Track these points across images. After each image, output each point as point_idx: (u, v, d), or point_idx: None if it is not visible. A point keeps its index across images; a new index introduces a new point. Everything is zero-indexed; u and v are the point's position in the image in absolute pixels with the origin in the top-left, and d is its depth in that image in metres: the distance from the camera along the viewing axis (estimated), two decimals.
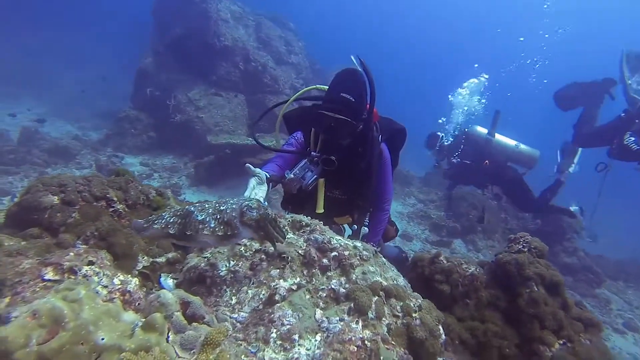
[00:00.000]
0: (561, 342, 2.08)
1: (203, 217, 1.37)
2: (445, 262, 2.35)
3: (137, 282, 1.31)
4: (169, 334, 1.11)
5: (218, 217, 1.37)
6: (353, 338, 1.25)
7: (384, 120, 2.54)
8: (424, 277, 2.28)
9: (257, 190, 1.86)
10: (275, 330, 1.26)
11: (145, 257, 1.64)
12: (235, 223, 1.36)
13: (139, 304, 1.25)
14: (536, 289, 2.19)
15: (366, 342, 1.26)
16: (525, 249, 2.45)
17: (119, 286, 1.23)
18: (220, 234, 1.34)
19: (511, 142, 6.56)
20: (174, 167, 8.45)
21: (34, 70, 14.66)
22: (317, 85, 2.57)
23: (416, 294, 1.60)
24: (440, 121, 7.50)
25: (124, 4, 25.42)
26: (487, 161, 6.45)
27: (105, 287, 1.20)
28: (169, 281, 1.65)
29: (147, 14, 11.52)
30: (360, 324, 1.31)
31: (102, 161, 7.86)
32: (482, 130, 6.68)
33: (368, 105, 2.22)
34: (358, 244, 1.65)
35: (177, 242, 1.39)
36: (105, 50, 21.39)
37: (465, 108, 7.71)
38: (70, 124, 10.77)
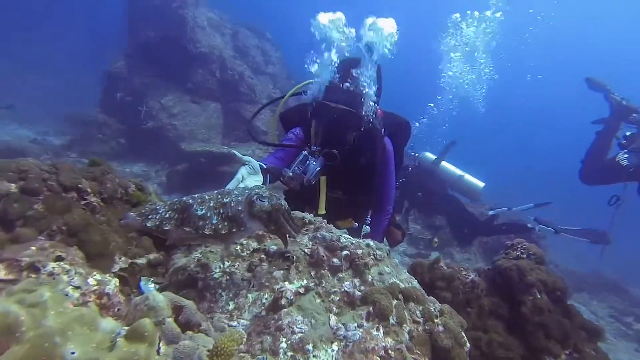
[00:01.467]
0: (567, 352, 1.99)
1: (203, 212, 1.19)
2: (445, 268, 2.24)
3: (117, 283, 1.07)
4: (160, 344, 0.89)
5: (221, 211, 1.18)
6: (376, 347, 1.08)
7: (387, 115, 2.43)
8: (424, 283, 2.15)
9: (248, 182, 1.60)
10: (284, 340, 1.06)
11: (123, 258, 1.39)
12: (241, 219, 1.17)
13: (118, 309, 1.02)
14: (539, 296, 2.10)
15: (390, 351, 1.09)
16: (524, 256, 2.39)
17: (95, 287, 0.99)
18: (223, 232, 1.15)
19: (457, 172, 6.27)
20: (144, 175, 8.02)
21: None
22: (315, 80, 2.41)
23: (432, 297, 1.45)
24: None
25: (92, 5, 24.32)
26: (420, 193, 6.25)
27: (78, 288, 0.96)
28: (150, 286, 1.42)
29: (114, 15, 11.05)
30: (381, 330, 1.14)
31: None
32: (431, 156, 6.45)
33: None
34: (370, 242, 1.49)
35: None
36: (66, 53, 20.37)
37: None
38: (27, 128, 10.00)
